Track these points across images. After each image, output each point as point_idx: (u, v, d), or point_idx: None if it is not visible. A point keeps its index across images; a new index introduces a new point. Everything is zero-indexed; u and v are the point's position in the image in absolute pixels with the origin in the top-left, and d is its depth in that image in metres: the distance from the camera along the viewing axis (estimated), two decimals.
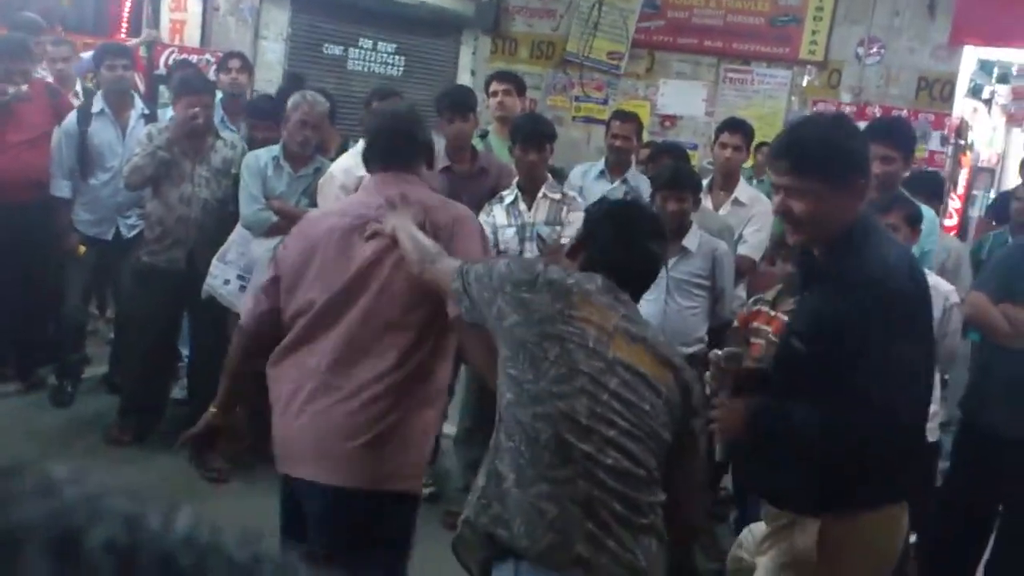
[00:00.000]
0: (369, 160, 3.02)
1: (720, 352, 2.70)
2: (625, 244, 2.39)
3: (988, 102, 8.98)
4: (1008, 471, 3.80)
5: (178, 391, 5.68)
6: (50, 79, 5.95)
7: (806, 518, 2.48)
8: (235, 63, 6.01)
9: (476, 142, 5.75)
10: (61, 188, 5.51)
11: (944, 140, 7.63)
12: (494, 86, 5.76)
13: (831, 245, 2.44)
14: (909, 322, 2.38)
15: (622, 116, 5.85)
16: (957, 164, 8.19)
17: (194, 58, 6.91)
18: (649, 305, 4.16)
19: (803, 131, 2.53)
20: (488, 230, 4.43)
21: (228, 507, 4.56)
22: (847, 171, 2.41)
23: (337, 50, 8.36)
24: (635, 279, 2.42)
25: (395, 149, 2.98)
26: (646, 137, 7.96)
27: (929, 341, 2.53)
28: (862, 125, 7.25)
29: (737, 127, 5.32)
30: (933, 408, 3.70)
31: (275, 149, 4.88)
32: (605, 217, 2.48)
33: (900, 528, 2.56)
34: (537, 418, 2.18)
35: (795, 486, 2.47)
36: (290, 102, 4.94)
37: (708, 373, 2.67)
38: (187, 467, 4.95)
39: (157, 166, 4.94)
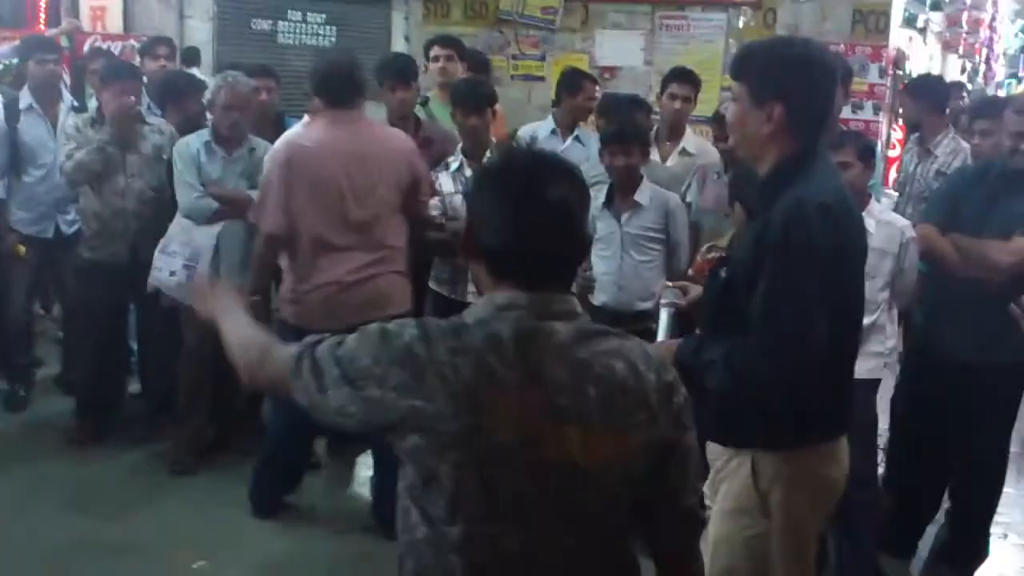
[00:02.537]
0: (325, 100, 3.86)
1: (663, 292, 2.74)
2: (516, 210, 1.65)
3: (923, 31, 9.03)
4: (963, 394, 3.86)
5: (133, 386, 5.59)
6: None
7: (738, 453, 2.44)
8: (163, 50, 5.85)
9: (417, 109, 5.67)
10: None
11: (882, 72, 7.66)
12: (435, 51, 5.66)
13: (766, 176, 2.41)
14: (808, 252, 2.23)
15: (589, 79, 5.96)
16: (896, 94, 8.24)
17: (118, 44, 6.73)
18: (604, 261, 4.16)
19: (756, 42, 2.54)
20: (436, 198, 4.39)
21: (195, 499, 4.52)
22: (763, 90, 2.35)
23: (266, 25, 8.19)
24: (554, 255, 1.69)
25: (345, 90, 3.83)
26: None
27: (851, 285, 2.42)
28: None
29: (686, 77, 5.24)
30: (890, 343, 3.75)
31: (204, 134, 4.73)
32: (480, 184, 1.76)
33: (837, 464, 2.49)
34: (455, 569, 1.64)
35: (724, 423, 2.45)
36: (211, 86, 4.81)
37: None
38: (151, 463, 4.89)
39: (104, 162, 4.82)
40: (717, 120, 4.63)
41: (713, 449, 2.55)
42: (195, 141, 4.69)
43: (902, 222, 3.76)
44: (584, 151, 5.29)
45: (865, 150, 3.66)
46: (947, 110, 5.65)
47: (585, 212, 1.73)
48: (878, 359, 3.67)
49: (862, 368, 3.58)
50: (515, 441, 1.59)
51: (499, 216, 1.66)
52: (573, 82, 5.75)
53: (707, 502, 2.72)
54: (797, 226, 2.23)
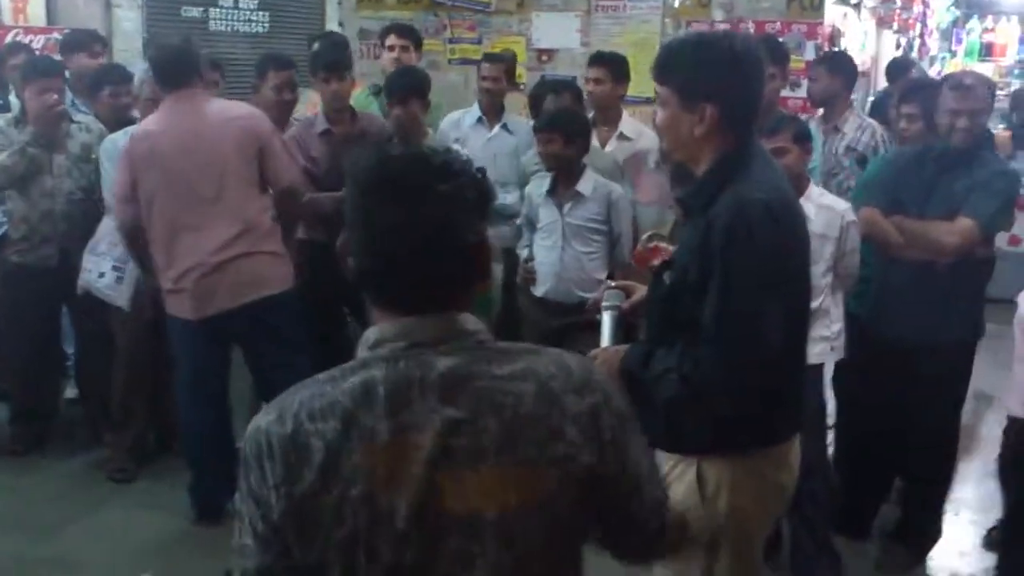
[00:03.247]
0: (161, 85, 4.02)
1: (605, 294, 2.65)
2: (372, 224, 1.43)
3: (857, 6, 9.09)
4: (910, 375, 3.89)
5: (70, 391, 5.45)
6: None
7: (683, 458, 2.38)
8: (99, 46, 5.65)
9: (369, 101, 5.57)
10: None
11: (818, 49, 7.68)
12: (392, 40, 5.56)
13: (703, 176, 2.34)
14: (756, 256, 2.19)
15: (490, 58, 5.72)
16: (809, 67, 8.28)
17: (41, 38, 6.51)
18: (546, 252, 4.12)
19: (675, 41, 2.44)
20: None
21: (138, 508, 4.41)
22: (692, 92, 2.28)
23: (196, 11, 7.98)
24: (426, 275, 1.44)
25: (177, 71, 3.96)
26: (524, 74, 7.90)
27: (798, 280, 2.38)
28: None
29: (597, 60, 5.20)
30: (836, 327, 3.75)
31: (130, 130, 4.53)
32: (349, 189, 1.50)
33: (788, 468, 2.44)
34: None
35: (670, 429, 2.35)
36: (136, 80, 4.68)
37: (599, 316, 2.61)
38: (90, 471, 4.78)
39: (28, 164, 4.67)
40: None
41: (658, 455, 2.45)
42: (121, 138, 4.51)
43: (842, 205, 3.75)
44: (512, 140, 5.22)
45: (801, 134, 3.64)
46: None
47: (472, 219, 1.46)
48: (824, 343, 3.67)
49: (809, 353, 3.60)
50: (401, 504, 1.35)
51: (358, 232, 1.44)
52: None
53: None
54: (740, 228, 2.18)
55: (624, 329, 2.65)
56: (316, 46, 5.36)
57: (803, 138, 3.65)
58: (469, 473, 1.38)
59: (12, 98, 5.47)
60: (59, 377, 5.40)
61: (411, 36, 5.64)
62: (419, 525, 1.36)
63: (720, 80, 2.28)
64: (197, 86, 4.05)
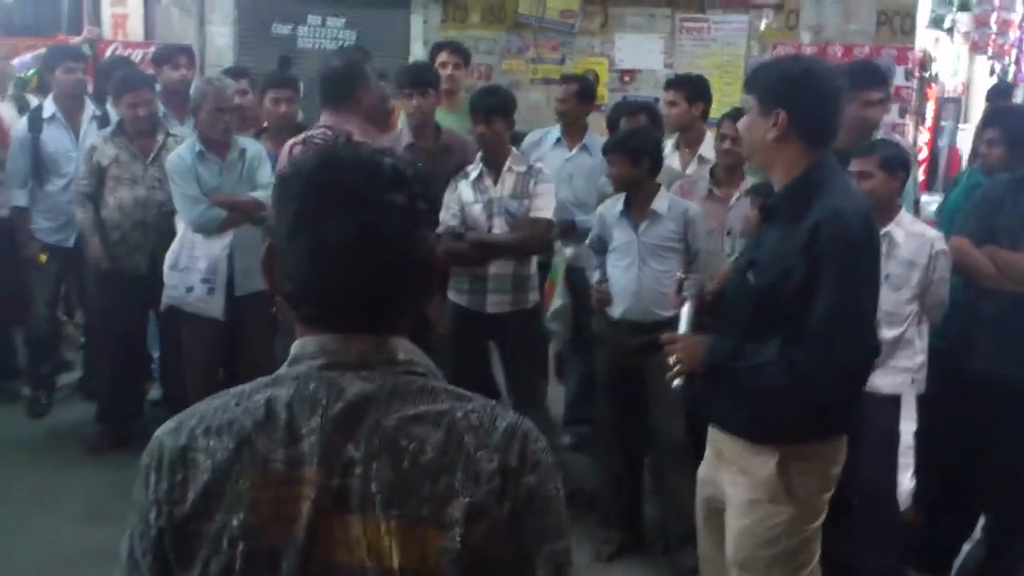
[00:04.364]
0: (320, 101, 4.11)
1: (684, 284, 2.80)
2: (294, 229, 1.28)
3: (950, 31, 8.92)
4: (996, 411, 3.78)
5: (154, 392, 5.61)
6: None
7: (765, 447, 2.61)
8: (183, 59, 5.84)
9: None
10: (18, 197, 5.39)
11: (908, 74, 7.57)
12: (443, 57, 5.63)
13: (791, 186, 2.58)
14: (859, 262, 2.50)
15: (563, 79, 5.76)
16: (923, 97, 8.15)
17: (139, 52, 6.74)
18: (622, 272, 4.11)
19: (771, 59, 2.69)
20: (455, 207, 4.37)
21: None
22: (769, 98, 2.57)
23: (286, 29, 8.20)
24: (355, 290, 1.28)
25: (327, 91, 4.04)
26: (607, 95, 7.91)
27: (876, 285, 2.63)
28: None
29: (672, 83, 5.25)
30: (919, 359, 3.67)
31: (192, 144, 4.66)
32: (279, 197, 1.33)
33: (842, 457, 2.70)
34: None
35: (755, 417, 2.60)
36: (195, 92, 4.72)
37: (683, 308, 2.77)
38: None
39: (87, 201, 4.94)
40: (721, 122, 4.54)
41: (730, 444, 2.71)
42: (186, 153, 4.63)
43: (932, 233, 3.69)
44: (592, 161, 5.18)
45: (890, 160, 3.58)
46: None
47: (424, 233, 1.30)
48: (905, 374, 3.61)
49: (887, 382, 3.56)
50: (284, 543, 1.20)
51: (292, 239, 1.27)
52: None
53: (712, 492, 2.84)
54: (849, 236, 2.45)
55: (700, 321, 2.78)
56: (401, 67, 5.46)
57: (892, 164, 3.58)
58: (354, 519, 1.21)
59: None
60: (144, 379, 5.56)
61: (462, 53, 5.71)
62: (301, 571, 1.20)
63: (792, 90, 2.56)
64: (349, 107, 4.02)
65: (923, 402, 3.92)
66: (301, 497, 1.21)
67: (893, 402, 3.64)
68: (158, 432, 1.31)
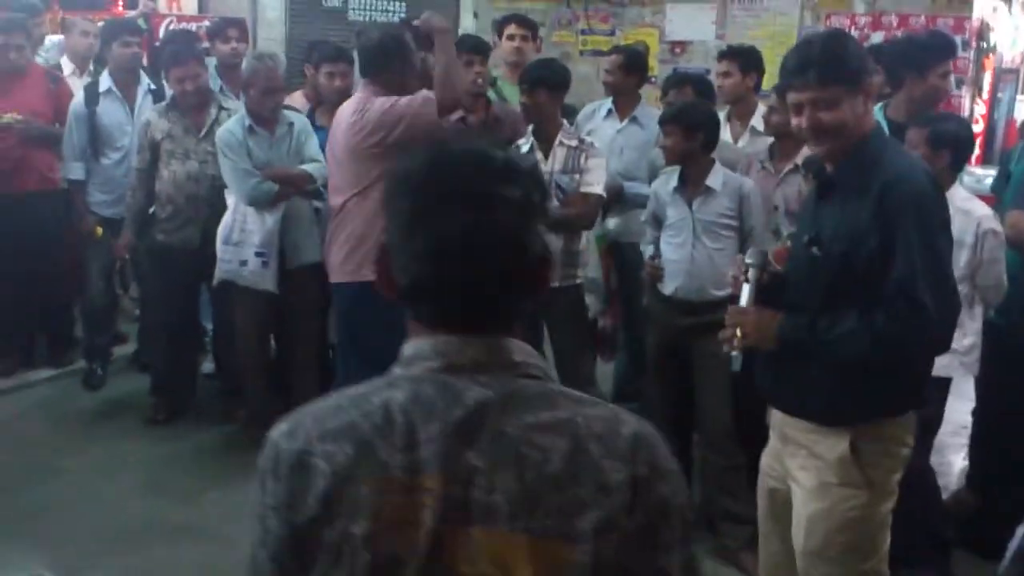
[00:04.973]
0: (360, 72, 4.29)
1: (748, 252, 2.77)
2: (413, 227, 1.24)
3: (1009, 0, 8.69)
4: None
5: (207, 365, 5.68)
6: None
7: (836, 430, 2.56)
8: (234, 32, 5.87)
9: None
10: (74, 170, 5.46)
11: (965, 44, 7.40)
12: (512, 29, 5.59)
13: (850, 156, 2.53)
14: (933, 219, 2.46)
15: (612, 51, 5.70)
16: (980, 68, 7.96)
17: (193, 26, 6.77)
18: (675, 249, 4.07)
19: (813, 45, 2.57)
20: None
21: None
22: (862, 73, 2.54)
23: (336, 1, 8.20)
24: (472, 288, 1.25)
25: (364, 63, 4.16)
26: (657, 67, 7.83)
27: (950, 241, 2.59)
28: (878, 37, 7.12)
29: (725, 54, 5.19)
30: (968, 341, 3.60)
31: (241, 118, 4.68)
32: (391, 194, 1.29)
33: (912, 437, 2.66)
34: None
35: (827, 399, 2.55)
36: (246, 68, 4.73)
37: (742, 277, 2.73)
38: (223, 443, 4.97)
39: (139, 183, 5.05)
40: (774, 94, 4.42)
41: (798, 427, 2.66)
42: (236, 128, 4.65)
43: (980, 211, 3.57)
44: (643, 133, 5.14)
45: (938, 136, 3.48)
46: None
47: (538, 228, 1.27)
48: (952, 356, 3.52)
49: (935, 364, 3.49)
50: (404, 553, 1.17)
51: (407, 238, 1.24)
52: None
53: (775, 484, 2.79)
54: (917, 196, 2.43)
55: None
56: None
57: (938, 141, 3.48)
58: (477, 531, 1.17)
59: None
60: (198, 352, 5.64)
61: (530, 26, 5.66)
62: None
63: (866, 54, 2.62)
64: (387, 80, 4.04)
65: (981, 379, 3.86)
66: (422, 505, 1.17)
67: (938, 385, 3.57)
68: (273, 435, 1.27)
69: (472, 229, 1.21)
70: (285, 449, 1.24)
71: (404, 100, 3.95)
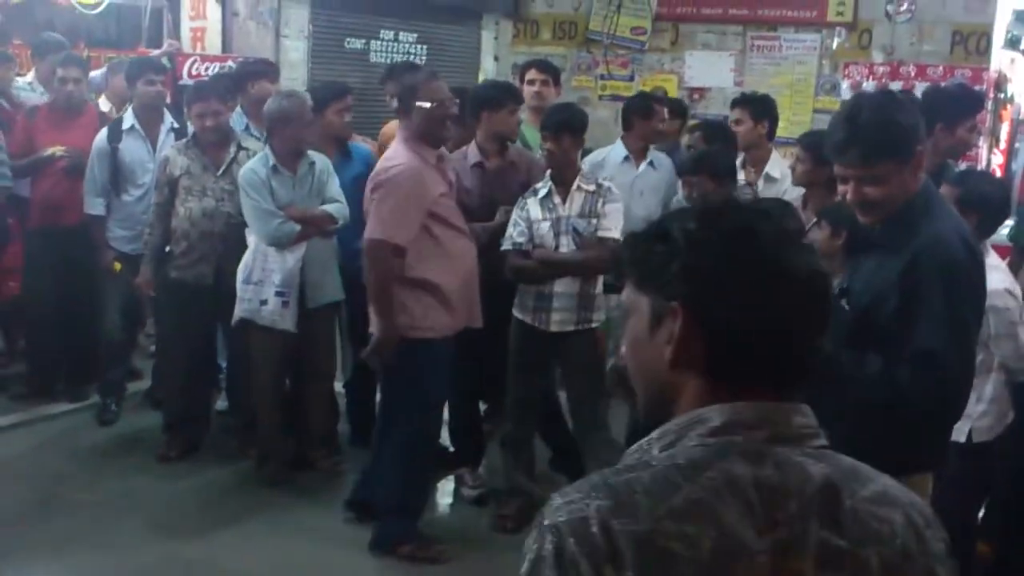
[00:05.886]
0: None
1: None
2: (769, 279, 1.17)
3: None
4: None
5: (220, 403, 5.69)
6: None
7: None
8: (271, 72, 5.92)
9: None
10: (95, 206, 5.52)
11: (983, 95, 7.43)
12: (532, 74, 5.65)
13: (898, 215, 2.52)
14: (962, 286, 2.45)
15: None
16: (998, 118, 7.99)
17: (217, 66, 6.86)
18: None
19: (862, 119, 2.49)
20: (523, 225, 4.38)
21: (279, 522, 4.53)
22: (911, 146, 2.50)
23: (359, 43, 8.30)
24: (805, 345, 1.21)
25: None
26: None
27: (980, 310, 2.59)
28: (896, 87, 7.15)
29: (738, 101, 5.29)
30: (979, 407, 3.52)
31: (264, 158, 4.68)
32: (714, 247, 1.19)
33: (927, 497, 2.58)
34: None
35: (842, 448, 2.48)
36: (273, 107, 4.66)
37: None
38: (237, 479, 4.96)
39: (157, 220, 5.08)
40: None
41: None
42: (259, 167, 4.66)
43: (992, 284, 3.40)
44: (659, 176, 5.25)
45: (967, 199, 3.33)
46: None
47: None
48: (964, 421, 3.40)
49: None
50: None
51: (740, 288, 1.16)
52: (646, 107, 5.55)
53: None
54: (949, 261, 2.43)
55: None
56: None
57: (966, 204, 3.27)
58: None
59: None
60: (211, 389, 5.64)
61: (551, 71, 5.72)
62: None
63: (919, 121, 2.55)
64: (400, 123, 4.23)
65: (1002, 438, 3.82)
66: None
67: (984, 448, 3.54)
68: (585, 511, 1.10)
69: (805, 295, 1.18)
70: (627, 531, 1.07)
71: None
